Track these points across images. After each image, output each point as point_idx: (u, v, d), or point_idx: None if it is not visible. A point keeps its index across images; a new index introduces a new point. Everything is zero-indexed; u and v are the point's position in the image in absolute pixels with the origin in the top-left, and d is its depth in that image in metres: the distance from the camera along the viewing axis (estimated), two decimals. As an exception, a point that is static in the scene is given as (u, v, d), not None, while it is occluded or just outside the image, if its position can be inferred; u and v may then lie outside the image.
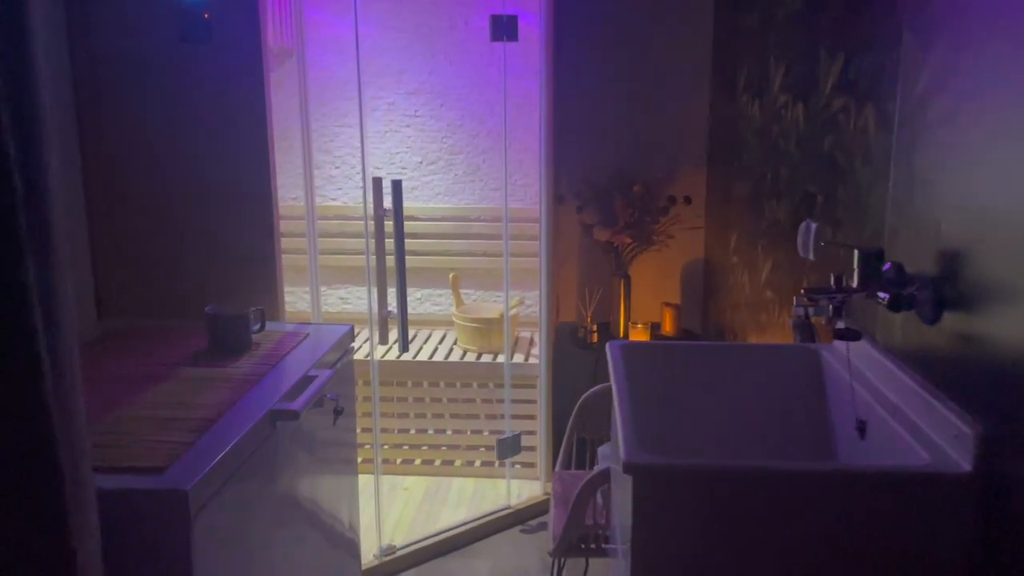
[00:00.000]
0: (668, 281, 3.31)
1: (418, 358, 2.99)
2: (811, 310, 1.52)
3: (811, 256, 1.74)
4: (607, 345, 1.61)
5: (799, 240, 1.80)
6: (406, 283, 2.42)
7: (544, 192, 2.75)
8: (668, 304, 3.15)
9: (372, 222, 2.44)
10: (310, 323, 2.36)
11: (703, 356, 1.65)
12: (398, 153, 3.22)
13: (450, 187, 3.24)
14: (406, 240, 3.26)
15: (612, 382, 1.51)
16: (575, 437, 2.19)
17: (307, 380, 1.72)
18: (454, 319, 3.06)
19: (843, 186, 1.64)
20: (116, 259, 2.23)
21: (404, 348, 2.36)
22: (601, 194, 3.10)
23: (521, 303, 3.06)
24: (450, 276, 3.13)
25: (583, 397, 2.18)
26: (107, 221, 2.20)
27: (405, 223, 3.22)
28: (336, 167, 3.26)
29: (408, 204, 3.23)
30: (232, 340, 1.88)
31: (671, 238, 3.11)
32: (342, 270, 3.35)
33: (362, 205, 3.18)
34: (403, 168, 3.23)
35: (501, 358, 2.98)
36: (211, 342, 1.89)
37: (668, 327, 3.15)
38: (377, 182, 2.36)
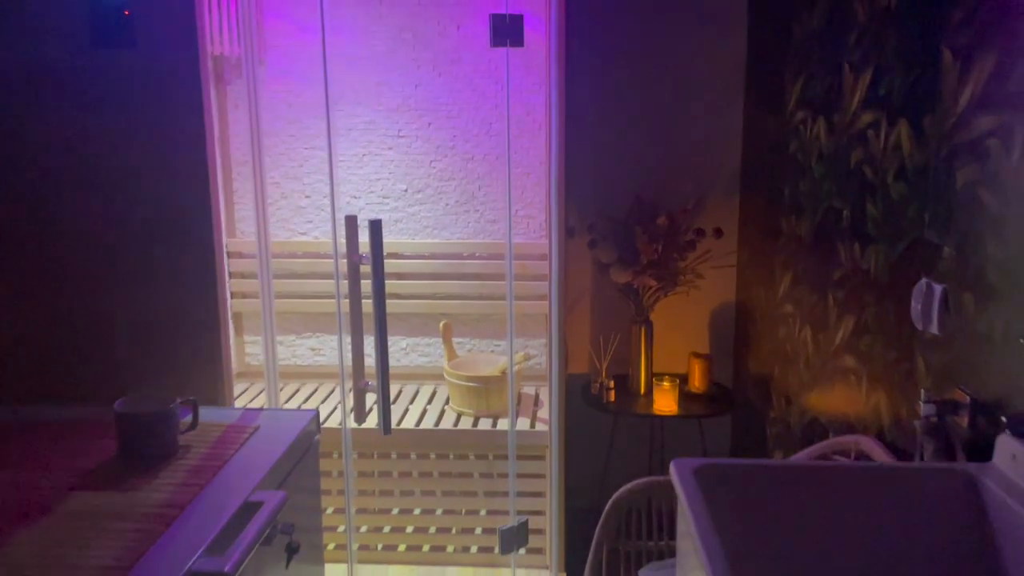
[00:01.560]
0: (695, 327, 2.84)
1: (403, 424, 2.50)
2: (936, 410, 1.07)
3: (935, 329, 1.27)
4: (672, 467, 1.14)
5: (915, 306, 1.33)
6: (387, 342, 1.94)
7: (556, 224, 2.28)
8: (697, 355, 2.68)
9: (344, 262, 1.96)
10: (263, 408, 1.86)
11: (807, 479, 1.17)
12: (378, 180, 2.75)
13: (440, 219, 2.76)
14: (388, 281, 2.78)
15: (690, 523, 1.04)
16: (605, 549, 1.71)
17: (248, 510, 1.24)
18: (446, 375, 2.58)
19: (986, 233, 1.18)
20: (2, 327, 1.74)
21: (387, 430, 1.88)
22: (618, 227, 2.64)
23: (527, 357, 2.58)
24: (440, 324, 2.65)
25: (614, 498, 1.70)
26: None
27: (387, 261, 2.74)
28: (306, 196, 2.78)
29: (390, 239, 2.75)
30: (151, 445, 1.39)
31: (700, 278, 2.64)
32: (314, 317, 2.86)
33: (333, 241, 2.72)
34: (384, 198, 2.76)
35: (502, 424, 2.50)
36: (122, 447, 1.40)
37: (697, 381, 2.68)
38: (351, 221, 1.88)
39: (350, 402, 2.42)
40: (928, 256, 1.36)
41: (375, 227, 1.79)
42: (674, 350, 2.82)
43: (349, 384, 2.32)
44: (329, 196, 2.57)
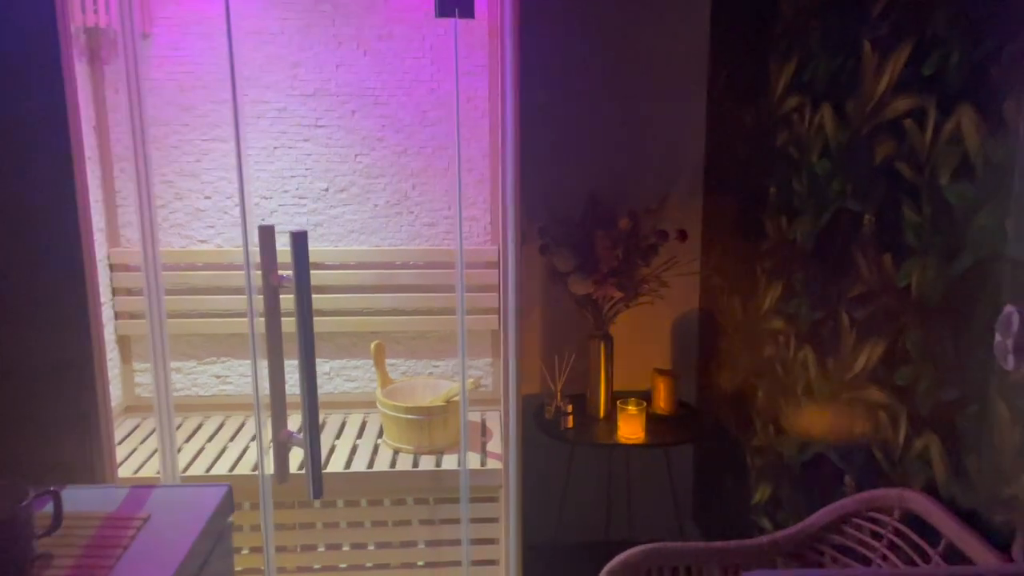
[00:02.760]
0: (656, 340, 2.56)
1: (329, 467, 2.12)
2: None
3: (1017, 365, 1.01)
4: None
5: (1000, 340, 1.06)
6: (315, 383, 1.57)
7: (512, 226, 1.94)
8: (661, 372, 2.40)
9: (259, 274, 1.57)
10: (156, 485, 1.46)
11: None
12: (293, 177, 2.34)
13: (368, 223, 2.38)
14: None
15: None
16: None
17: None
18: (379, 406, 2.21)
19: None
20: None
21: (317, 493, 1.50)
22: (574, 231, 2.32)
23: (478, 384, 2.23)
24: (372, 346, 2.27)
25: (607, 570, 1.38)
26: None
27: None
28: (206, 196, 2.34)
29: (310, 247, 2.35)
30: (-14, 560, 0.98)
31: (665, 286, 2.36)
32: (220, 339, 2.43)
33: (238, 249, 2.29)
34: (301, 199, 2.36)
35: (447, 461, 2.15)
36: (-57, 565, 0.99)
37: (663, 402, 2.39)
38: (267, 233, 1.49)
39: (267, 437, 2.03)
40: (1005, 276, 1.09)
41: (299, 241, 1.41)
42: (633, 365, 2.53)
43: (266, 418, 1.93)
44: (239, 199, 2.16)
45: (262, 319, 1.63)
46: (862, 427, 1.49)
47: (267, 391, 1.61)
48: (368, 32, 2.26)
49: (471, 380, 2.17)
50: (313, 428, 1.48)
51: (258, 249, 1.56)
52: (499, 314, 2.39)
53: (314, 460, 1.46)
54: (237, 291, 2.36)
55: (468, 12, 1.72)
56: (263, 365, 1.64)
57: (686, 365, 2.57)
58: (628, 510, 2.62)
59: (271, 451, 1.60)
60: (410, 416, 2.15)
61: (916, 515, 1.27)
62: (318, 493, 1.49)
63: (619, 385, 2.48)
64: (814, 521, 1.39)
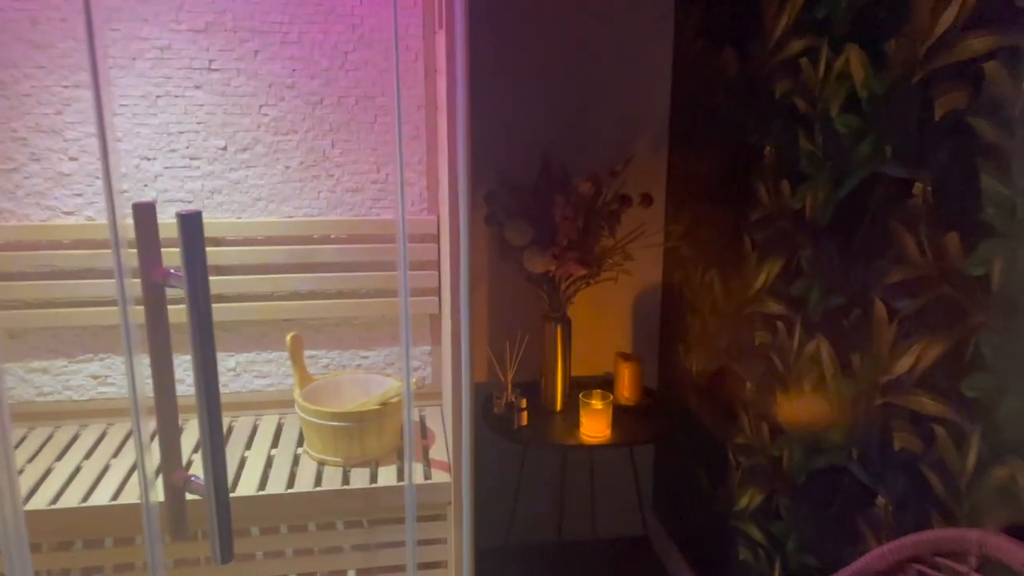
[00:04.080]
0: (614, 318, 2.27)
1: (239, 489, 1.74)
2: None
3: None
4: None
5: None
6: (219, 413, 1.19)
7: (463, 192, 1.59)
8: (625, 356, 2.11)
9: (135, 254, 1.17)
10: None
11: None
12: (183, 133, 1.91)
13: (278, 189, 1.97)
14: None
15: None
16: None
17: None
18: (299, 411, 1.83)
19: None
20: None
21: (226, 557, 1.13)
22: (526, 197, 1.98)
23: (421, 383, 1.88)
24: (287, 338, 1.88)
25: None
26: None
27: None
28: (71, 158, 1.88)
29: (206, 219, 1.94)
30: None
31: (629, 259, 2.05)
32: (97, 332, 1.99)
33: (119, 223, 1.83)
34: (193, 159, 1.92)
35: (384, 475, 1.81)
36: None
37: (627, 390, 2.11)
38: (144, 212, 1.09)
39: (153, 465, 1.62)
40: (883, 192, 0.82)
41: (190, 226, 1.01)
42: (590, 348, 2.24)
43: (151, 425, 1.52)
44: (101, 162, 1.71)
45: (140, 308, 1.23)
46: (909, 441, 1.23)
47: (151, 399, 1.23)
48: (272, -48, 1.83)
49: (415, 378, 1.82)
50: (220, 473, 1.11)
51: (132, 228, 1.16)
52: (438, 295, 2.04)
53: (221, 519, 1.09)
54: (112, 275, 1.92)
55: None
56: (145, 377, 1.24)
57: (648, 347, 2.29)
58: (589, 507, 2.35)
59: (161, 485, 1.22)
60: (338, 423, 1.79)
61: (999, 563, 1.01)
62: (227, 557, 1.13)
63: (575, 371, 2.18)
64: (862, 568, 1.12)
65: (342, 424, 1.79)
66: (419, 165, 2.00)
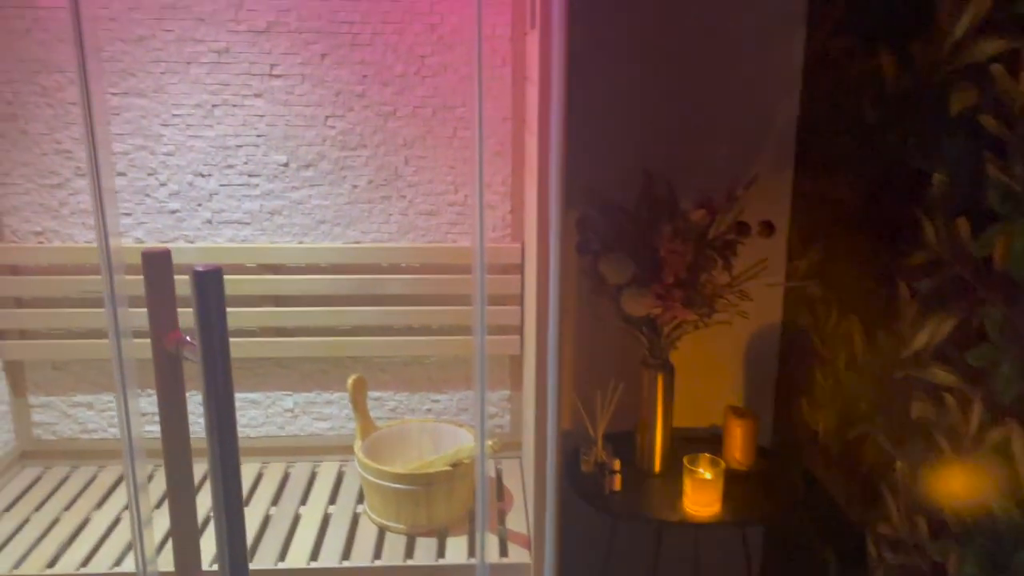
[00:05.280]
0: (723, 365, 1.96)
1: (288, 558, 1.51)
2: None
3: None
4: None
5: None
6: (241, 513, 0.96)
7: (555, 215, 1.33)
8: (737, 412, 1.80)
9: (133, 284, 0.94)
10: None
11: None
12: (241, 147, 1.70)
13: (344, 211, 1.75)
14: (262, 310, 1.77)
15: None
16: None
17: None
18: (359, 468, 1.60)
19: None
20: None
21: None
22: (626, 223, 1.70)
23: (498, 446, 1.61)
24: (349, 381, 1.65)
25: None
26: None
27: (261, 278, 1.73)
28: (119, 172, 1.70)
29: (264, 243, 1.73)
30: None
31: (746, 299, 1.74)
32: (145, 365, 1.80)
33: (169, 246, 1.63)
34: (252, 176, 1.72)
35: (453, 548, 1.55)
36: None
37: (739, 452, 1.79)
38: (157, 262, 0.85)
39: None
40: None
41: (207, 284, 0.77)
42: (695, 395, 1.94)
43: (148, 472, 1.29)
44: (166, 172, 1.54)
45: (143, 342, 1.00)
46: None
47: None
48: (342, -59, 1.60)
49: (491, 441, 1.55)
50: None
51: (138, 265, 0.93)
52: (520, 334, 1.78)
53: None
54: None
55: None
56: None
57: (762, 398, 1.97)
58: (682, 581, 2.04)
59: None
60: (402, 486, 1.54)
61: None
62: None
63: (676, 420, 1.89)
64: None
65: (407, 487, 1.54)
66: (502, 186, 1.74)
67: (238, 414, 1.84)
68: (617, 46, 1.70)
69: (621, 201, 1.75)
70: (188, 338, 0.82)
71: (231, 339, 1.77)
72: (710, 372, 1.91)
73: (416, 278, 1.76)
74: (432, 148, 1.71)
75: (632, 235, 1.68)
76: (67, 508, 1.65)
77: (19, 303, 1.73)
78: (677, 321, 1.69)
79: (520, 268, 1.75)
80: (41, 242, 1.72)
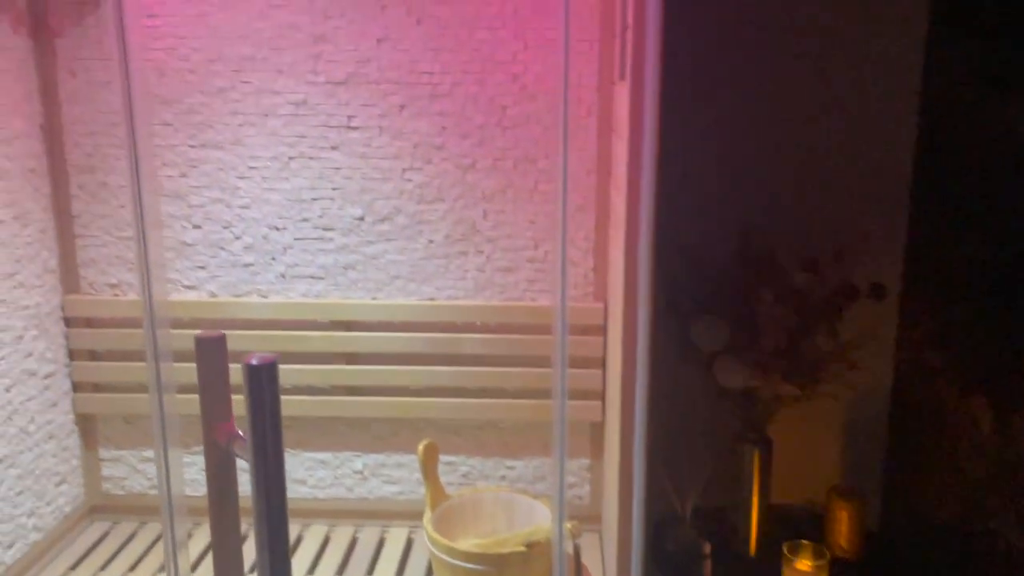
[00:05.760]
0: (825, 438, 1.78)
1: (353, 634, 1.42)
2: None
3: None
4: None
5: None
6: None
7: (644, 275, 1.23)
8: (841, 493, 1.63)
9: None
10: None
11: None
12: (316, 200, 1.65)
13: (419, 267, 1.68)
14: (335, 368, 1.70)
15: None
16: None
17: None
18: (429, 543, 1.49)
19: None
20: None
21: None
22: (719, 283, 1.57)
23: (578, 532, 1.49)
24: (420, 447, 1.56)
25: None
26: None
27: (333, 335, 1.67)
28: (195, 225, 1.67)
29: (337, 299, 1.67)
30: None
31: (853, 369, 1.58)
32: (211, 420, 1.76)
33: (240, 300, 1.59)
34: (326, 230, 1.66)
35: (526, 633, 1.43)
36: None
37: (844, 539, 1.62)
38: (210, 346, 0.78)
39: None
40: None
41: (261, 378, 0.68)
42: (793, 470, 1.77)
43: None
44: (238, 222, 1.49)
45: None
46: None
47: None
48: (423, -10, 1.55)
49: (570, 524, 1.43)
50: None
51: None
52: (602, 400, 1.66)
53: None
54: (242, 358, 1.68)
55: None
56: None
57: (868, 476, 1.79)
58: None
59: None
60: (473, 566, 1.43)
61: None
62: None
63: (781, 496, 1.72)
64: None
65: (479, 567, 1.43)
66: (585, 242, 1.63)
67: (306, 473, 1.77)
68: (712, 94, 1.59)
69: (714, 260, 1.62)
70: (240, 432, 0.74)
71: (301, 396, 1.71)
72: (812, 447, 1.75)
73: (492, 337, 1.67)
74: (512, 202, 1.63)
75: (726, 297, 1.55)
76: (132, 568, 1.60)
77: (93, 355, 1.72)
78: (776, 393, 1.54)
79: (603, 329, 1.64)
80: (116, 294, 1.70)
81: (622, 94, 1.32)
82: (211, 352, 0.74)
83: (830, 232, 1.65)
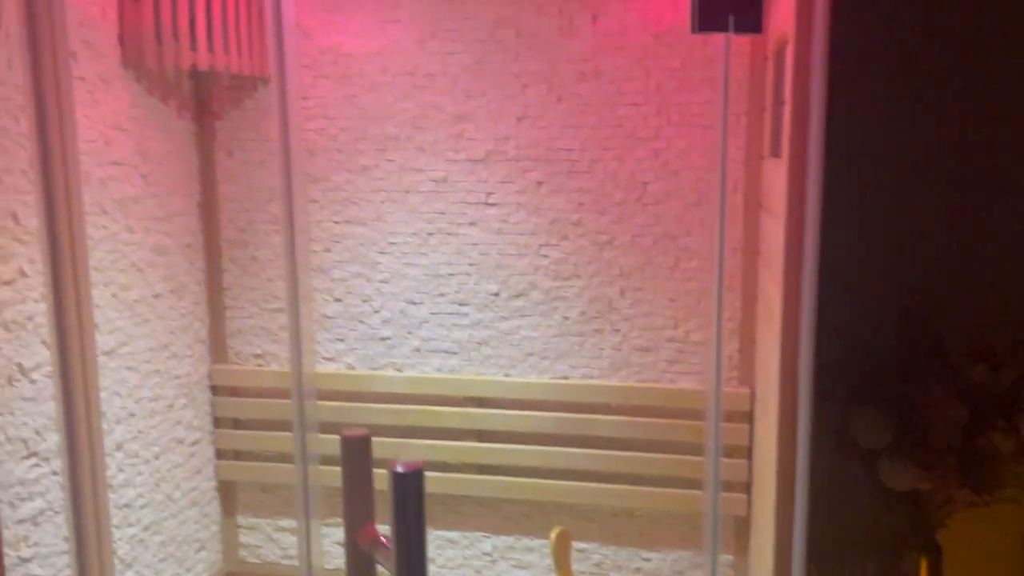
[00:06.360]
0: (1006, 552, 1.59)
1: None
2: None
3: None
4: None
5: None
6: None
7: (805, 361, 1.14)
8: (1027, 612, 1.43)
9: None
10: None
11: None
12: (453, 275, 1.65)
13: (554, 344, 1.64)
14: (465, 444, 1.68)
15: None
16: None
17: None
18: (559, 634, 1.42)
19: None
20: None
21: None
22: (881, 371, 1.44)
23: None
24: (552, 535, 1.49)
25: None
26: None
27: (465, 411, 1.65)
28: (336, 298, 1.71)
29: (470, 375, 1.65)
30: None
31: (1038, 471, 1.40)
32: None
33: (377, 374, 1.61)
34: (462, 305, 1.66)
35: None
36: None
37: (1030, 667, 1.42)
38: (355, 446, 0.76)
39: None
40: None
41: (407, 485, 0.66)
42: (966, 586, 1.58)
43: None
44: (377, 297, 1.50)
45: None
46: None
47: None
48: (565, 69, 1.54)
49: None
50: None
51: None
52: (747, 492, 1.55)
53: None
54: (376, 431, 1.68)
55: (751, 24, 0.93)
56: None
57: (1057, 590, 1.57)
58: None
59: None
60: (607, 669, 1.34)
61: None
62: None
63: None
64: None
65: (613, 671, 1.34)
66: (730, 323, 1.55)
67: (435, 552, 1.74)
68: (873, 166, 1.49)
69: (875, 345, 1.50)
70: (383, 539, 0.70)
71: (431, 473, 1.69)
72: (988, 558, 1.56)
73: (629, 420, 1.59)
74: (651, 280, 1.57)
75: (888, 386, 1.42)
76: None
77: (236, 424, 1.76)
78: (948, 496, 1.39)
79: (749, 416, 1.53)
80: (260, 365, 1.75)
81: (775, 171, 1.25)
82: (356, 451, 0.72)
83: (1007, 318, 1.49)
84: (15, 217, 1.22)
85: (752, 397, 1.54)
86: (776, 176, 1.24)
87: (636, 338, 1.60)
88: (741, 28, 0.93)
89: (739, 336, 1.56)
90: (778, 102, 1.25)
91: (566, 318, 1.62)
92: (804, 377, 1.18)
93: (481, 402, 1.66)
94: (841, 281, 1.54)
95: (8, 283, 1.21)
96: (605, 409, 1.62)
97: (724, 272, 1.52)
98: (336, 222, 1.68)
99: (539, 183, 1.59)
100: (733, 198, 1.50)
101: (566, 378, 1.64)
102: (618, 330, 1.61)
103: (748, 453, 1.56)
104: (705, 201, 1.52)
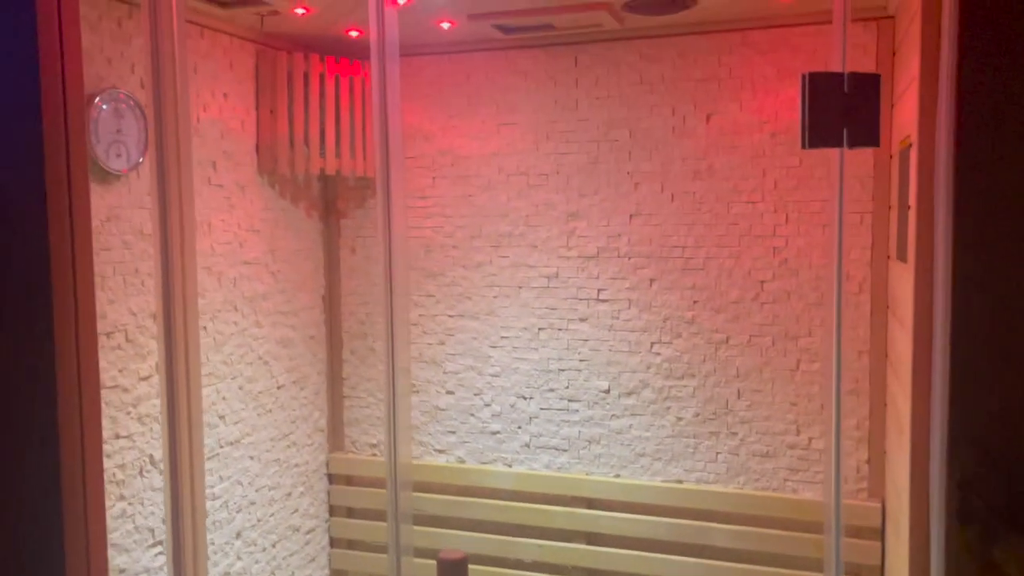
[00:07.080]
0: None
1: None
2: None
3: None
4: None
5: None
6: None
7: (939, 474, 1.04)
8: None
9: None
10: None
11: None
12: (563, 371, 1.64)
13: (665, 444, 1.58)
14: (570, 546, 1.63)
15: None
16: None
17: None
18: None
19: None
20: None
21: None
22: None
23: None
24: (662, 651, 1.42)
25: None
26: None
27: (572, 511, 1.61)
28: (448, 391, 1.73)
29: (578, 475, 1.62)
30: None
31: None
32: (450, 589, 1.74)
33: (486, 468, 1.61)
34: (571, 401, 1.64)
35: None
36: None
37: None
38: (451, 569, 0.76)
39: None
40: None
41: (454, 573, 0.64)
42: None
43: None
44: (491, 390, 1.51)
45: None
46: None
47: None
48: (679, 167, 1.54)
49: None
50: None
51: None
52: (881, 617, 1.42)
53: None
54: (483, 526, 1.67)
55: (869, 137, 0.90)
56: None
57: None
58: None
59: None
60: None
61: None
62: None
63: None
64: None
65: None
66: (857, 431, 1.45)
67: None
68: (1007, 265, 1.39)
69: (1019, 456, 1.36)
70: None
71: (540, 574, 1.65)
72: None
73: (747, 531, 1.51)
74: (769, 381, 1.51)
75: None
76: None
77: (350, 513, 1.79)
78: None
79: (879, 533, 1.42)
80: (374, 454, 1.78)
81: (902, 276, 1.18)
82: (451, 574, 0.71)
83: None
84: (155, 317, 1.31)
85: (883, 512, 1.43)
86: (903, 281, 1.17)
87: (755, 443, 1.53)
88: (856, 142, 0.89)
89: (868, 445, 1.45)
90: (903, 205, 1.19)
91: (680, 419, 1.57)
92: (937, 494, 1.08)
93: (591, 503, 1.62)
94: (983, 387, 1.42)
95: (145, 379, 1.29)
96: (722, 517, 1.54)
97: (851, 376, 1.44)
98: (450, 315, 1.71)
99: (651, 280, 1.57)
100: (858, 299, 1.43)
101: (680, 482, 1.58)
102: (735, 433, 1.54)
103: (880, 573, 1.44)
104: (827, 302, 1.46)
